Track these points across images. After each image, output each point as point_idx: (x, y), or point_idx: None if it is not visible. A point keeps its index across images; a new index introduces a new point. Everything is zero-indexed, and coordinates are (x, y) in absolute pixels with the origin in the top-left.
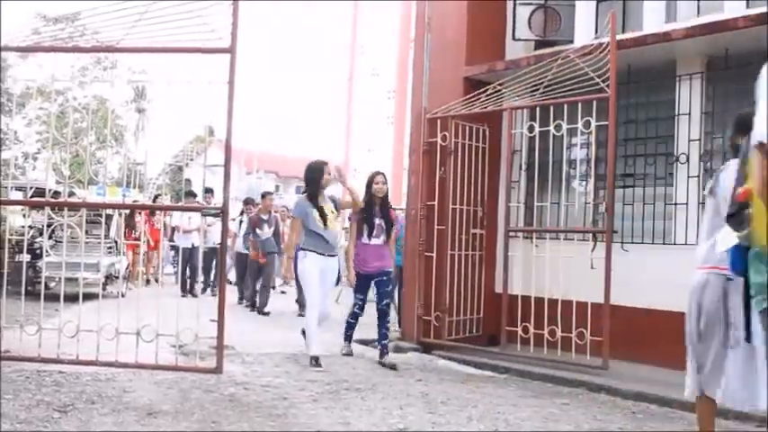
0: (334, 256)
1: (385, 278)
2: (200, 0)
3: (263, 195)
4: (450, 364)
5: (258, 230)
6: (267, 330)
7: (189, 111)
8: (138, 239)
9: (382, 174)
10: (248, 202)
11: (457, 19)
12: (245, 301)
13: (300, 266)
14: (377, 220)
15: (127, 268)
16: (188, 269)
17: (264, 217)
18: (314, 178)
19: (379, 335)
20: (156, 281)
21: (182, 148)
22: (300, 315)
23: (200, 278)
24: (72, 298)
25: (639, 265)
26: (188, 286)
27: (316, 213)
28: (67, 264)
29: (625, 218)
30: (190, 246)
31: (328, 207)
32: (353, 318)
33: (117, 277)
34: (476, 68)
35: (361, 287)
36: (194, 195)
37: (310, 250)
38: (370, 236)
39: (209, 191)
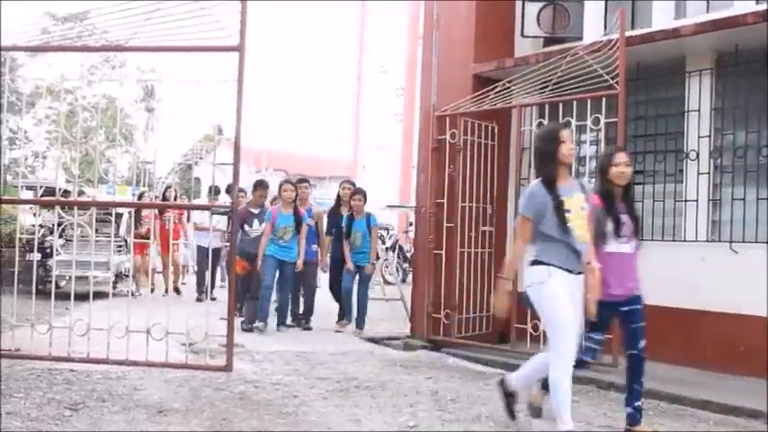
0: (581, 273)
1: (639, 306)
2: None
3: (256, 186)
4: (459, 361)
5: (246, 227)
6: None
7: (198, 109)
8: (144, 237)
9: (624, 152)
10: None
11: (465, 16)
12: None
13: (538, 292)
14: (623, 217)
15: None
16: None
17: (255, 211)
18: (546, 152)
19: (632, 392)
20: (177, 291)
21: (191, 146)
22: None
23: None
24: (82, 296)
25: (649, 262)
26: (204, 288)
27: (553, 208)
28: (78, 262)
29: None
30: (207, 245)
31: (576, 199)
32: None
33: (127, 276)
34: (484, 66)
35: (600, 321)
36: (218, 192)
37: (553, 265)
38: (616, 238)
39: (241, 190)
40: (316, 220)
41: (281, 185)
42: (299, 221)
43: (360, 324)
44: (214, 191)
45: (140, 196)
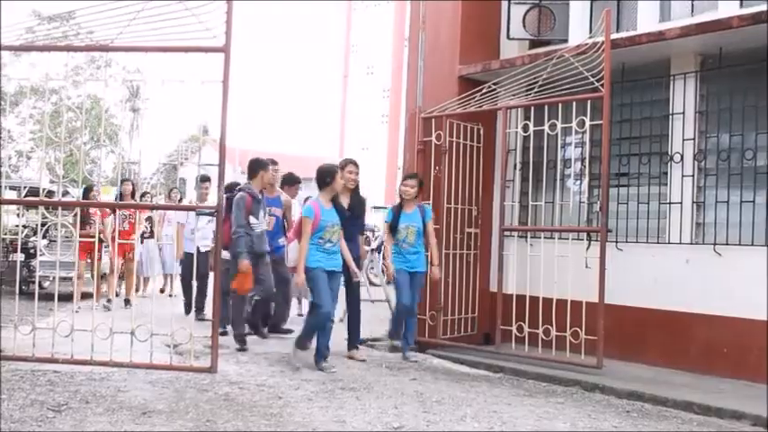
0: None
1: None
2: None
3: (267, 164)
4: (444, 363)
5: (252, 219)
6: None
7: (183, 110)
8: (92, 236)
9: None
10: (204, 179)
11: (451, 18)
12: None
13: None
14: None
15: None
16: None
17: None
18: None
19: None
20: (127, 302)
21: (176, 147)
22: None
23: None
24: (66, 297)
25: (634, 265)
26: (194, 302)
27: None
28: (61, 263)
29: (619, 217)
30: (194, 251)
31: None
32: None
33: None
34: (470, 67)
35: None
36: (207, 180)
37: None
38: None
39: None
40: (284, 209)
41: (329, 171)
42: (343, 217)
43: (410, 341)
44: (202, 179)
45: (85, 192)
